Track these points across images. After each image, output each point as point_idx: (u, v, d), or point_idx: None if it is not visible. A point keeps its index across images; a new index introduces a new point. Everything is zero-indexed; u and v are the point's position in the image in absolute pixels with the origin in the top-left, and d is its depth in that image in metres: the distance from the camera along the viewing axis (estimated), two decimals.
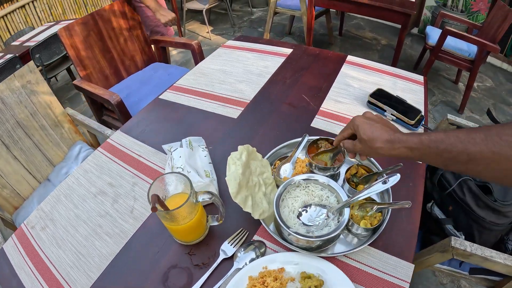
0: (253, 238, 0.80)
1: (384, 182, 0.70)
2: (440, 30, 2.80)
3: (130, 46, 1.92)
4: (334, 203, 0.78)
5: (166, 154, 0.96)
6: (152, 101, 1.27)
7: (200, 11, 4.14)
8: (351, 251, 0.75)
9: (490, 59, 4.04)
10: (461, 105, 2.98)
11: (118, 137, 1.10)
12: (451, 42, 2.85)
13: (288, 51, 1.64)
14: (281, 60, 1.56)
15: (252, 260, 0.74)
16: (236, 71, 1.47)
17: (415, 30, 4.55)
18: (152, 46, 2.08)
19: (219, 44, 1.65)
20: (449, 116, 1.44)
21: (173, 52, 3.86)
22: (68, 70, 3.14)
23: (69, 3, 4.15)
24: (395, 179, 0.69)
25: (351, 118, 0.70)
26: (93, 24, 1.74)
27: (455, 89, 3.38)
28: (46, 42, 2.60)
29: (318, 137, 0.97)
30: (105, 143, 1.08)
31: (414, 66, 3.48)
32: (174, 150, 0.86)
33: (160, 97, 1.29)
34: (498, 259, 0.93)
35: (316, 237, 0.70)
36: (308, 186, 0.81)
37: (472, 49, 2.81)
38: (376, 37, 4.31)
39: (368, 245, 0.77)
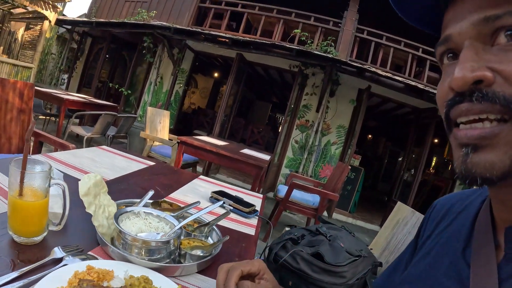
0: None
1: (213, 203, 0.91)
2: None
3: (13, 126, 1.85)
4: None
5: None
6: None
7: (80, 138, 4.19)
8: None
9: (337, 215, 4.86)
10: None
11: None
12: (298, 195, 3.36)
13: (151, 163, 1.92)
14: (144, 166, 1.81)
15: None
16: (104, 161, 1.62)
17: (270, 194, 5.05)
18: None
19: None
20: (287, 228, 1.61)
21: None
22: None
23: None
24: (219, 203, 0.92)
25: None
26: None
27: None
28: None
29: (162, 199, 1.17)
30: None
31: (268, 218, 3.88)
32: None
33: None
34: None
35: (157, 240, 0.80)
36: (147, 219, 0.93)
37: (317, 199, 3.33)
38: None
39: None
